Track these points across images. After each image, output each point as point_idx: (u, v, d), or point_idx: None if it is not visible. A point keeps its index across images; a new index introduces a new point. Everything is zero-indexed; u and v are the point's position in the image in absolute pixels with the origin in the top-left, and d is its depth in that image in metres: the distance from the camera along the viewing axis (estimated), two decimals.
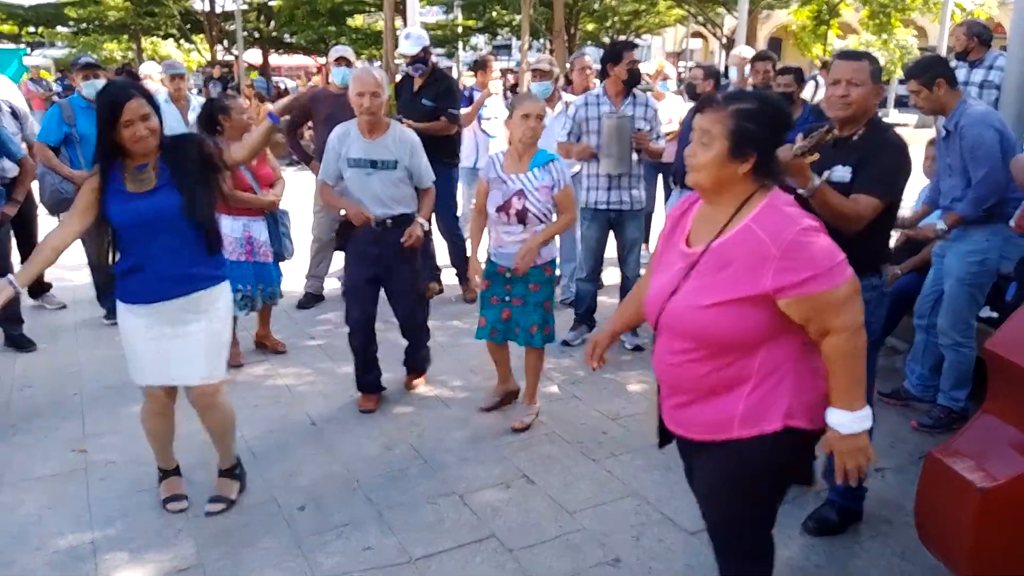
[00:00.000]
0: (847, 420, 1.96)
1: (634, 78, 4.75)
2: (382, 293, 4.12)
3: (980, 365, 3.85)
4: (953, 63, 5.46)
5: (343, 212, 4.11)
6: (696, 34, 31.88)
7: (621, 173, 4.70)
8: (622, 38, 27.91)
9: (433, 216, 5.82)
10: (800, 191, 2.56)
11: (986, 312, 3.92)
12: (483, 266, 3.95)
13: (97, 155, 2.88)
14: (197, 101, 6.33)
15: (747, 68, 6.41)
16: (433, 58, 5.92)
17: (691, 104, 5.58)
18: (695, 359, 2.00)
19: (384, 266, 3.99)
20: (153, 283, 2.94)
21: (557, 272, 4.14)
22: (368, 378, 4.20)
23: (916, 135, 9.98)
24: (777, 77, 5.09)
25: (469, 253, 4.18)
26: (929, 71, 3.62)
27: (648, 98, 4.92)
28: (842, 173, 2.75)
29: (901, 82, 20.62)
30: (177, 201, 2.86)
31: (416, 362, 4.41)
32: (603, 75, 4.82)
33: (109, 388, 4.43)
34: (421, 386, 4.44)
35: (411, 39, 5.66)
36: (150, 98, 2.83)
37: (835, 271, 1.89)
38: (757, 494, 2.12)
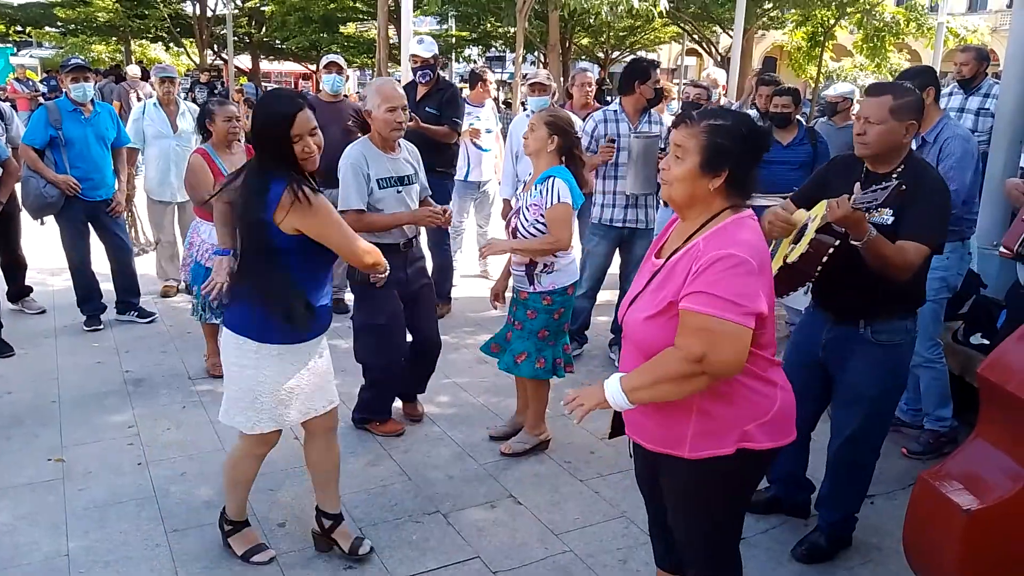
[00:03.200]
0: (616, 395, 2.01)
1: (658, 97, 4.75)
2: None
3: (962, 385, 3.87)
4: (949, 88, 5.50)
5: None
6: (691, 52, 32.07)
7: (646, 193, 4.68)
8: (616, 54, 28.07)
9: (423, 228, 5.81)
10: (853, 242, 2.55)
11: (977, 339, 3.92)
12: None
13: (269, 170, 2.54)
14: (186, 105, 6.27)
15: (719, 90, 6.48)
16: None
17: None
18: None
19: (411, 289, 3.83)
20: (325, 314, 2.75)
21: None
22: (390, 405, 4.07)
23: None
24: (774, 98, 5.09)
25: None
26: (920, 77, 3.67)
27: (661, 117, 4.93)
28: (883, 218, 2.68)
29: None
30: None
31: (426, 383, 4.22)
32: (624, 91, 4.75)
33: (88, 395, 4.35)
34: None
35: (425, 43, 5.69)
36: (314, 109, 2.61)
37: (709, 299, 1.87)
38: (716, 508, 2.15)
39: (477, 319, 5.88)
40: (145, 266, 6.22)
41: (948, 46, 17.46)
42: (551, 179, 3.51)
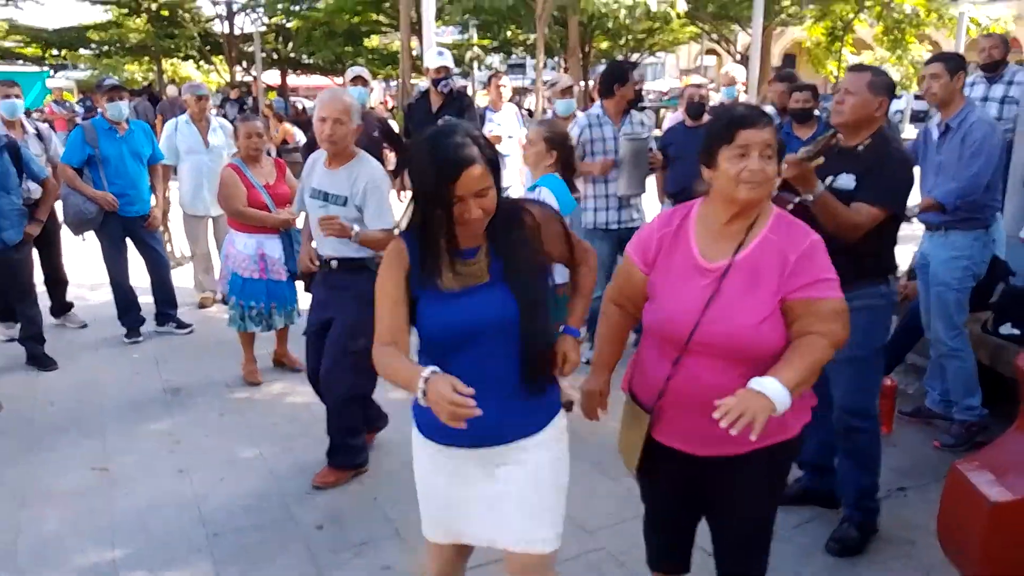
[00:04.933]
0: (784, 398, 1.87)
1: (638, 99, 4.82)
2: None
3: (991, 373, 3.85)
4: (972, 78, 5.45)
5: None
6: (710, 51, 31.91)
7: (637, 194, 4.74)
8: (635, 56, 28.03)
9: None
10: (803, 197, 2.70)
11: (1007, 329, 3.89)
12: None
13: (419, 226, 1.95)
14: (217, 122, 6.41)
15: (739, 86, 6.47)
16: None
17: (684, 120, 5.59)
18: (744, 373, 1.95)
19: (330, 313, 3.56)
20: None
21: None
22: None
23: None
24: (794, 93, 5.10)
25: None
26: (955, 61, 3.74)
27: (644, 116, 5.00)
28: (846, 181, 2.84)
29: (917, 97, 20.55)
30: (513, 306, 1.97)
31: (337, 447, 3.66)
32: (604, 94, 4.83)
33: (129, 405, 4.47)
34: (329, 486, 3.63)
35: (444, 55, 5.88)
36: (494, 163, 1.92)
37: (833, 283, 2.01)
38: (778, 494, 2.27)
39: None
40: (182, 278, 6.35)
41: (970, 35, 17.19)
42: (539, 188, 3.65)
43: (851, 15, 20.74)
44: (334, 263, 3.53)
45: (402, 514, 3.33)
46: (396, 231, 2.02)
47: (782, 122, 5.28)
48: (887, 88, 2.89)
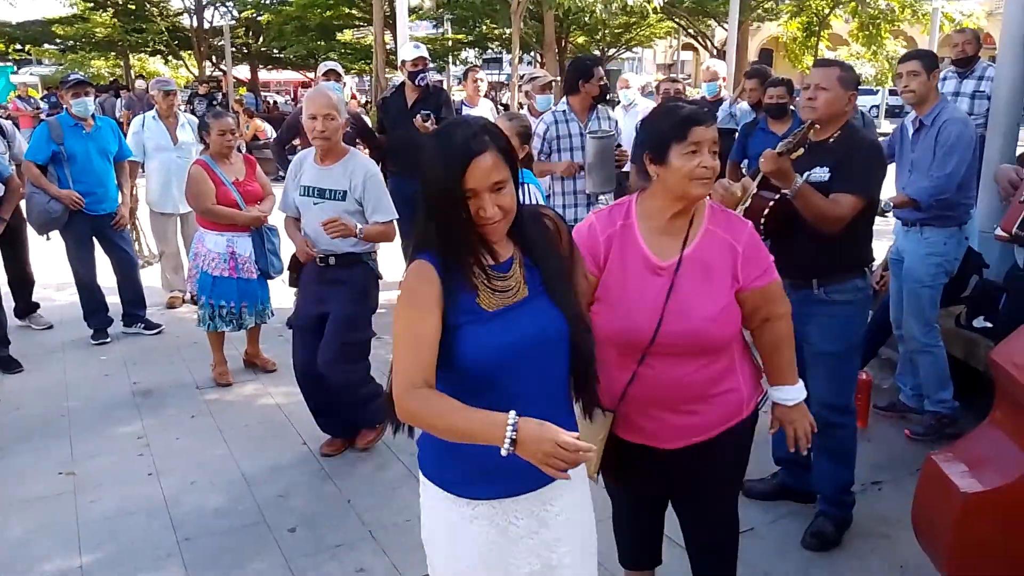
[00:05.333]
0: (795, 393, 2.22)
1: (603, 95, 4.76)
2: None
3: (964, 367, 3.88)
4: (944, 73, 5.49)
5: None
6: (687, 46, 32.05)
7: (606, 191, 4.70)
8: (612, 52, 28.08)
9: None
10: (783, 191, 2.75)
11: (980, 322, 3.92)
12: None
13: (439, 237, 1.68)
14: (185, 118, 6.30)
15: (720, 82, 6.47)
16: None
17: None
18: (704, 364, 2.09)
19: (326, 308, 3.64)
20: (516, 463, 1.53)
21: None
22: (325, 421, 3.88)
23: None
24: (768, 88, 5.10)
25: None
26: (930, 58, 3.77)
27: (609, 112, 4.96)
28: (820, 174, 2.87)
29: (892, 93, 20.68)
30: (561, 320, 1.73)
31: (361, 418, 3.83)
32: (570, 91, 4.75)
33: (97, 408, 4.38)
34: (374, 444, 3.88)
35: (421, 48, 5.84)
36: (508, 153, 1.67)
37: (773, 265, 2.14)
38: (746, 466, 2.35)
39: None
40: (150, 278, 6.25)
41: (944, 31, 17.40)
42: (525, 185, 3.58)
43: (827, 11, 20.91)
44: (331, 259, 3.62)
45: (376, 517, 3.29)
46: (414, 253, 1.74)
47: (757, 118, 5.29)
48: (855, 83, 2.94)
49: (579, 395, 1.81)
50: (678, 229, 2.10)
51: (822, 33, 21.42)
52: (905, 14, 19.96)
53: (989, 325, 3.88)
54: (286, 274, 4.06)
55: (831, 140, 2.92)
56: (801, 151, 2.77)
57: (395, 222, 3.69)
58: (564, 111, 4.73)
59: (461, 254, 1.67)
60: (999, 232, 3.56)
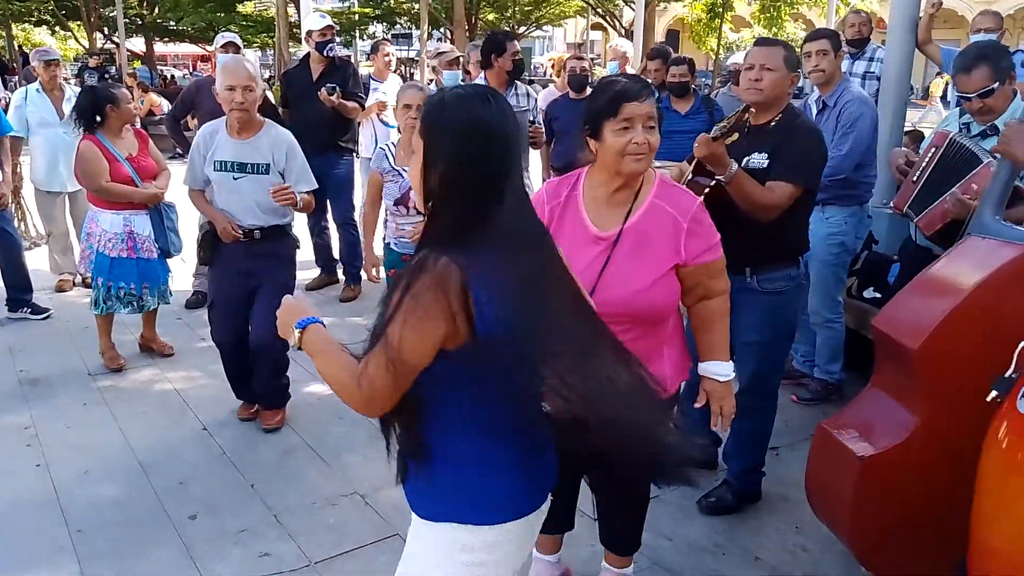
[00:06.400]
0: (727, 369, 2.26)
1: (518, 69, 4.74)
2: None
3: (857, 339, 4.05)
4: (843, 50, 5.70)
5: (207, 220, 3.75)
6: (596, 26, 32.27)
7: None
8: (522, 29, 28.03)
9: (328, 204, 5.72)
10: (718, 178, 2.67)
11: (870, 293, 4.10)
12: (381, 259, 3.86)
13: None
14: (73, 91, 5.95)
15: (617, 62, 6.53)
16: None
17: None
18: (635, 337, 2.05)
19: (257, 282, 3.63)
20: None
21: None
22: (243, 387, 3.88)
23: None
24: (671, 68, 5.18)
25: (363, 246, 4.05)
26: (836, 38, 3.84)
27: (528, 88, 4.97)
28: (758, 160, 2.79)
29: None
30: None
31: (274, 396, 3.85)
32: (485, 66, 4.75)
33: None
34: (278, 427, 3.82)
35: (327, 18, 5.70)
36: None
37: (719, 243, 2.17)
38: None
39: None
40: (37, 261, 5.91)
41: (839, 14, 18.09)
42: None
43: None
44: (257, 233, 3.59)
45: (280, 501, 3.22)
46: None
47: (660, 96, 5.36)
48: (796, 65, 2.86)
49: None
50: (622, 201, 2.12)
51: (725, 15, 21.94)
52: None
53: (879, 295, 4.06)
54: (187, 252, 3.93)
55: (771, 124, 2.83)
56: (736, 136, 2.68)
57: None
58: (528, 90, 4.78)
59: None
60: (893, 208, 3.72)
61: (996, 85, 3.10)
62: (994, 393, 1.93)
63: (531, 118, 4.80)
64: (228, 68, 3.47)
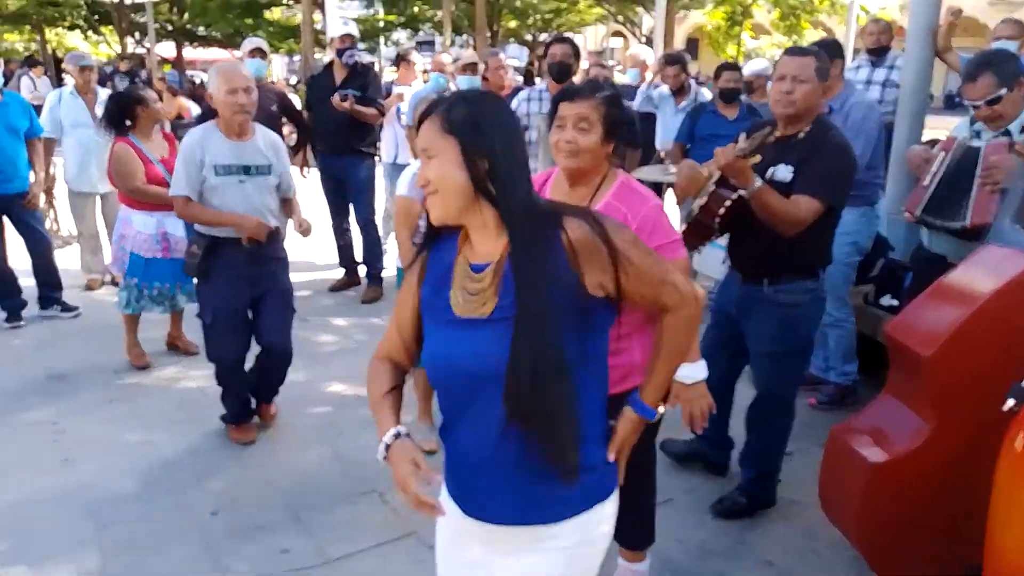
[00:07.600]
0: (693, 371, 2.21)
1: (563, 73, 4.77)
2: None
3: (869, 343, 4.05)
4: (857, 61, 5.70)
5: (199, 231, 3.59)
6: (617, 33, 32.27)
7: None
8: (543, 36, 28.09)
9: (351, 206, 5.80)
10: (740, 192, 2.62)
11: (887, 300, 4.10)
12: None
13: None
14: (105, 94, 6.07)
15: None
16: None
17: None
18: None
19: (256, 290, 3.58)
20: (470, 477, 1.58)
21: None
22: (245, 409, 3.79)
23: None
24: (723, 73, 5.28)
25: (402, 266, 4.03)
26: (829, 49, 3.81)
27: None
28: (784, 173, 2.72)
29: None
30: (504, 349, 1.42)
31: (276, 390, 3.91)
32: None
33: (8, 394, 4.22)
34: (275, 417, 3.94)
35: (349, 25, 5.88)
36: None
37: (676, 244, 2.18)
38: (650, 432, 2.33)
39: None
40: (68, 260, 6.03)
41: (860, 23, 18.01)
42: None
43: (749, 1, 21.35)
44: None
45: (299, 497, 3.28)
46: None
47: (705, 104, 5.49)
48: (827, 75, 2.79)
49: (522, 456, 1.48)
50: (580, 198, 2.20)
51: (744, 23, 21.90)
52: (824, 5, 20.57)
53: (895, 303, 4.06)
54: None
55: (800, 135, 2.74)
56: (758, 158, 2.58)
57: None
58: (540, 90, 4.81)
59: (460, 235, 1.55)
60: (905, 214, 3.72)
61: (1004, 91, 3.07)
62: (1011, 402, 1.91)
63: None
64: (227, 72, 3.41)
